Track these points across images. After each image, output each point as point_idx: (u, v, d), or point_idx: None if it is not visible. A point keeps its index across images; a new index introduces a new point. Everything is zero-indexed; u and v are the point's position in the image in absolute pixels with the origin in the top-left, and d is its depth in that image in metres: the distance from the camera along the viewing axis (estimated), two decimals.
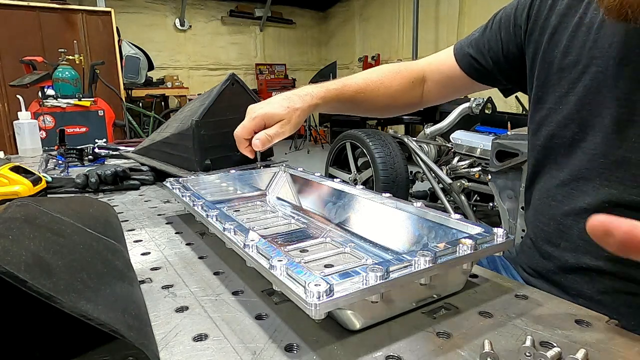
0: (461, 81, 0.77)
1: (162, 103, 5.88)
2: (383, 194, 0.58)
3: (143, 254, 0.55)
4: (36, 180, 0.79)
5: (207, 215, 0.51)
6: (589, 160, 0.55)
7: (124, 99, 3.60)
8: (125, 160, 1.21)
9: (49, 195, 0.84)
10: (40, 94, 2.53)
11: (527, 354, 0.31)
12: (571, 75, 0.57)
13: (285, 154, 5.84)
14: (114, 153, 1.29)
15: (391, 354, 0.33)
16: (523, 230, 1.76)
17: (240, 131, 0.66)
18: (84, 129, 2.67)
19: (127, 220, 0.69)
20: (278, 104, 0.67)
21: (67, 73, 2.59)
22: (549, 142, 0.61)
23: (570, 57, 0.57)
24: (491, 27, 0.72)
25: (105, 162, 1.23)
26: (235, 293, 0.43)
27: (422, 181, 2.77)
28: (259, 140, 0.64)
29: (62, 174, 1.07)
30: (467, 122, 2.59)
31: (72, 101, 2.59)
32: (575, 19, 0.58)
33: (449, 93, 0.83)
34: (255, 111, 0.67)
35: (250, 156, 0.69)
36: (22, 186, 0.75)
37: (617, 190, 0.53)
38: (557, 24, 0.60)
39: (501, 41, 0.70)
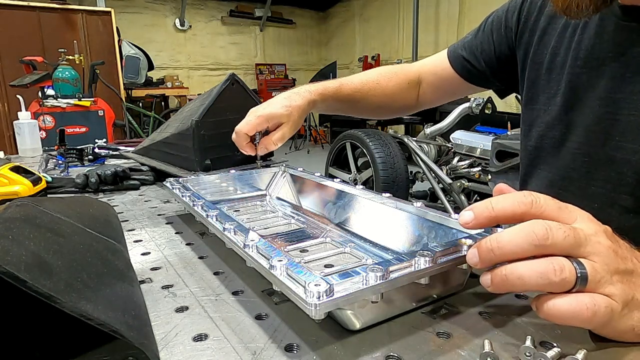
0: (455, 83, 0.78)
1: (162, 103, 5.88)
2: (383, 194, 0.58)
3: (143, 254, 0.55)
4: (36, 180, 0.79)
5: (207, 215, 0.51)
6: (574, 159, 0.56)
7: (124, 99, 3.61)
8: (125, 160, 1.21)
9: (49, 195, 0.84)
10: (40, 94, 2.53)
11: (527, 354, 0.31)
12: (558, 76, 0.58)
13: (285, 154, 5.84)
14: (114, 153, 1.29)
15: (391, 354, 0.33)
16: None
17: (244, 127, 0.67)
18: (84, 129, 2.67)
19: (127, 220, 0.69)
20: (279, 104, 0.69)
21: (67, 73, 2.59)
22: (539, 143, 0.61)
23: (558, 59, 0.58)
24: (483, 30, 0.73)
25: (105, 162, 1.23)
26: (235, 293, 0.43)
27: (422, 181, 2.77)
28: (264, 145, 0.69)
29: (62, 174, 1.07)
30: (467, 122, 2.59)
31: (72, 101, 2.60)
32: (562, 20, 0.58)
33: (444, 95, 0.84)
34: (258, 111, 0.68)
35: (252, 153, 0.70)
36: (22, 186, 0.75)
37: (603, 190, 0.53)
38: (546, 25, 0.61)
39: (493, 43, 0.70)
